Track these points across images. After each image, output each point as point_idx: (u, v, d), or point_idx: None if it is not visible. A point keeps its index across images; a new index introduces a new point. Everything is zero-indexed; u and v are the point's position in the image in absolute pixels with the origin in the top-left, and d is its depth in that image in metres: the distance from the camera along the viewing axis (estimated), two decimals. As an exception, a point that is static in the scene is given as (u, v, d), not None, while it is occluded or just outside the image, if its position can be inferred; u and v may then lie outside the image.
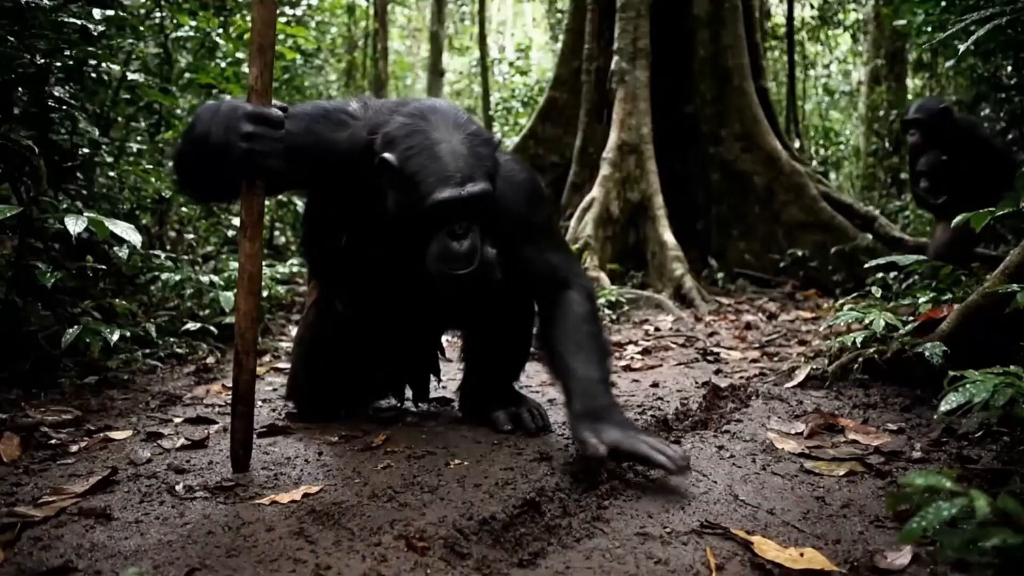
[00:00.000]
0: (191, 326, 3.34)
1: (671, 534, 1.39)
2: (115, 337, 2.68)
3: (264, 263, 4.81)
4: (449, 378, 2.81)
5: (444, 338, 2.52)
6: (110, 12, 3.23)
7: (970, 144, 4.71)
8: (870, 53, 12.37)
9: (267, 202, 6.60)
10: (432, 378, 2.42)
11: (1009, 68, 5.45)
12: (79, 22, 2.89)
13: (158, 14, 4.27)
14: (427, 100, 1.92)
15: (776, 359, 3.44)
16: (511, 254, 1.97)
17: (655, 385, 2.85)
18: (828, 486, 1.67)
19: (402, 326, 2.18)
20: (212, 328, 3.43)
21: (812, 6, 12.17)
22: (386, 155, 1.76)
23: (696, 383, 2.87)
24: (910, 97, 11.93)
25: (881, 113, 11.39)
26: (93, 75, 3.20)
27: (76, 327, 2.62)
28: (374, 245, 1.96)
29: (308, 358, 2.24)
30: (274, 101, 1.69)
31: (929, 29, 5.18)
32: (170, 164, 4.56)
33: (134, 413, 2.37)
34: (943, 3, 4.90)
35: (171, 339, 3.29)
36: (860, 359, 2.61)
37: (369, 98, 2.03)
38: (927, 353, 2.24)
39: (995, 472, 1.69)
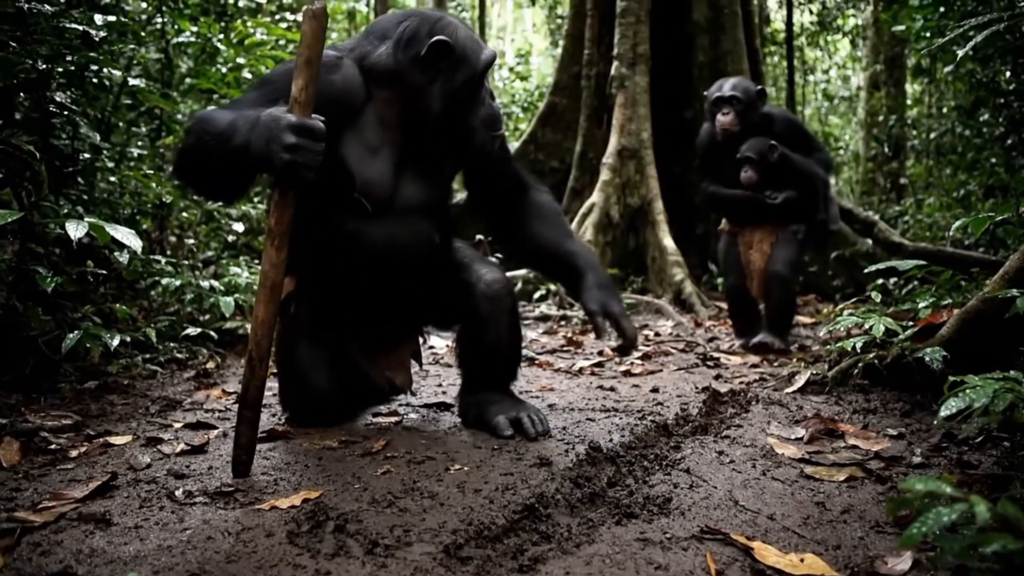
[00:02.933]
0: (191, 331, 3.34)
1: (671, 540, 1.39)
2: (115, 342, 2.68)
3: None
4: (450, 383, 2.81)
5: (424, 329, 2.47)
6: (112, 18, 3.23)
7: (794, 136, 3.93)
8: (869, 58, 12.41)
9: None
10: (415, 365, 2.41)
11: (1008, 73, 5.46)
12: (81, 28, 2.90)
13: (159, 20, 4.28)
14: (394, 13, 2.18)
15: (776, 364, 3.44)
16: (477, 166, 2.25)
17: (655, 390, 2.85)
18: (828, 491, 1.67)
19: (373, 310, 2.17)
20: (212, 333, 3.43)
21: (811, 12, 12.20)
22: (440, 37, 1.97)
23: (696, 388, 2.87)
24: (909, 102, 11.97)
25: (880, 118, 11.41)
26: (94, 80, 3.20)
27: (76, 332, 2.62)
28: (355, 196, 2.01)
29: (288, 366, 2.21)
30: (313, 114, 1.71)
31: (928, 35, 5.19)
32: (171, 167, 4.58)
33: (134, 418, 2.37)
34: (942, 9, 4.91)
35: (171, 344, 3.29)
36: (860, 364, 2.62)
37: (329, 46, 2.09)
38: (927, 358, 2.24)
39: (995, 477, 1.69)
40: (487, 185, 2.31)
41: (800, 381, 2.74)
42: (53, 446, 1.99)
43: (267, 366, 1.74)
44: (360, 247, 2.04)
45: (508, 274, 2.29)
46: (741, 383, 2.93)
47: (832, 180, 4.16)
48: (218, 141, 1.76)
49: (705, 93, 4.01)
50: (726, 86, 3.91)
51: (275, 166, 1.65)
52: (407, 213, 2.09)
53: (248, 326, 3.57)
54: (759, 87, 3.94)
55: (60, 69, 2.89)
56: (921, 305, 2.56)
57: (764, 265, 3.91)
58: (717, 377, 3.13)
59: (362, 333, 2.24)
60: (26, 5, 2.69)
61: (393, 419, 2.36)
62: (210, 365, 3.25)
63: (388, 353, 2.32)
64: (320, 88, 1.80)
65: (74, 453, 1.95)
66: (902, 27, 6.74)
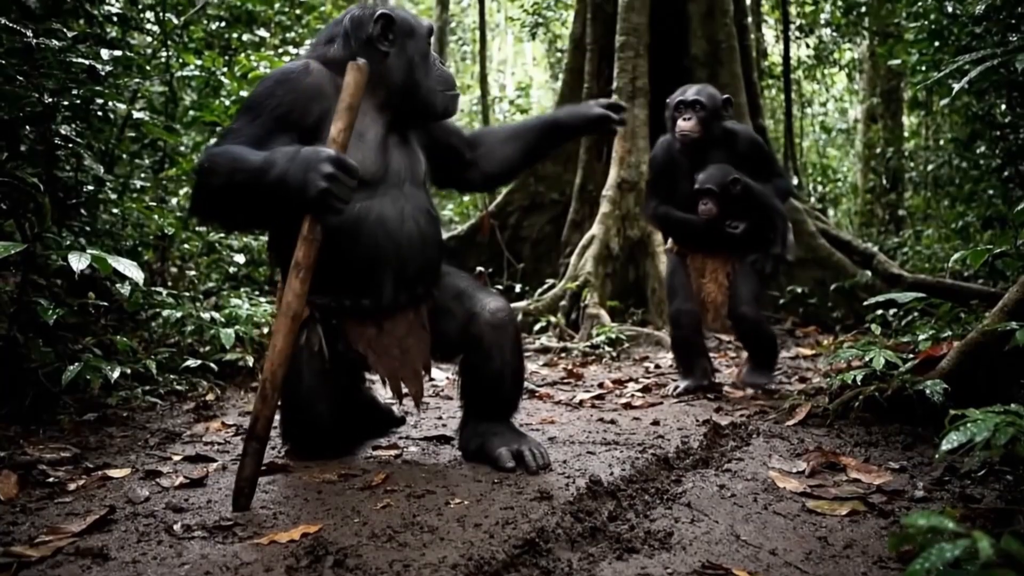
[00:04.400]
0: (191, 363, 3.34)
1: (672, 575, 1.38)
2: (115, 374, 2.68)
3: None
4: (450, 416, 2.80)
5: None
6: (117, 52, 3.28)
7: (756, 157, 3.62)
8: (866, 92, 12.54)
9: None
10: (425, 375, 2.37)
11: (1003, 107, 5.51)
12: (87, 62, 2.94)
13: (164, 54, 4.34)
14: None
15: (776, 396, 3.43)
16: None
17: (656, 423, 2.83)
18: (830, 526, 1.66)
19: (385, 288, 2.16)
20: (212, 365, 3.43)
21: (808, 45, 12.34)
22: (382, 11, 2.13)
23: (697, 421, 2.86)
24: (906, 134, 12.06)
25: (878, 151, 11.49)
26: (99, 113, 3.24)
27: (76, 364, 2.62)
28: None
29: (293, 396, 2.17)
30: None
31: (923, 69, 5.26)
32: (173, 199, 4.61)
33: (133, 451, 2.36)
34: (936, 43, 4.97)
35: (171, 376, 3.28)
36: (861, 397, 2.61)
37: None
38: (928, 391, 2.24)
39: (998, 512, 1.68)
40: (451, 142, 2.48)
41: (801, 414, 2.73)
42: (51, 479, 1.98)
43: (278, 397, 1.74)
44: (369, 223, 2.09)
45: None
46: (742, 416, 2.92)
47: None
48: (253, 175, 1.84)
49: (667, 100, 3.66)
50: (690, 91, 3.54)
51: (310, 193, 1.75)
52: (400, 185, 2.19)
53: (248, 358, 3.57)
54: (725, 96, 3.61)
55: (66, 102, 2.93)
56: (921, 337, 2.56)
57: (723, 299, 3.60)
58: (718, 410, 3.11)
59: (375, 320, 2.20)
60: (34, 40, 2.73)
61: (393, 452, 2.35)
62: (210, 397, 3.24)
63: (402, 360, 2.26)
64: (297, 89, 2.02)
65: (72, 486, 1.94)
66: (898, 61, 6.83)
